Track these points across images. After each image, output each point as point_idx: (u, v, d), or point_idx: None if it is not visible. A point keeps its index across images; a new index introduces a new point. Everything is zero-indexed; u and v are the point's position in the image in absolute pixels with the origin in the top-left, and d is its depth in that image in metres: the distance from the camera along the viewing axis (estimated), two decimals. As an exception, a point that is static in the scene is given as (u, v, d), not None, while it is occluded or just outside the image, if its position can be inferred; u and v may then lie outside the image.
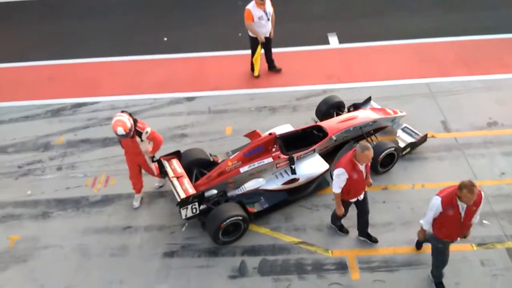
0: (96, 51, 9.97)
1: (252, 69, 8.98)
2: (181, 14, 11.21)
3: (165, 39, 10.32)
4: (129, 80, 9.15)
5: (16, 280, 5.76)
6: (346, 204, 5.52)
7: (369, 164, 5.24)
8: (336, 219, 5.93)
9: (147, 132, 5.91)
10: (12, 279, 5.78)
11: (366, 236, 5.92)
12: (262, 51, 8.66)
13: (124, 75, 9.31)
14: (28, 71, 9.61)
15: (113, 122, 5.65)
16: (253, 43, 8.54)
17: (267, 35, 8.44)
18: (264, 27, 8.31)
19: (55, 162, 7.40)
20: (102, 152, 7.53)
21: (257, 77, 8.93)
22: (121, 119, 5.64)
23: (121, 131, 5.62)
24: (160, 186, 6.78)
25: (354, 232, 6.05)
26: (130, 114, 5.80)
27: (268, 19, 8.30)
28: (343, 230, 6.07)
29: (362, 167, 5.13)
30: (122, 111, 5.81)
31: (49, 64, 9.77)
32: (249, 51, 8.79)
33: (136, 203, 6.56)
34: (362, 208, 5.66)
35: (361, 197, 5.49)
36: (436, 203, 4.67)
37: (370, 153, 4.96)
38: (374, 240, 5.90)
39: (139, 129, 5.85)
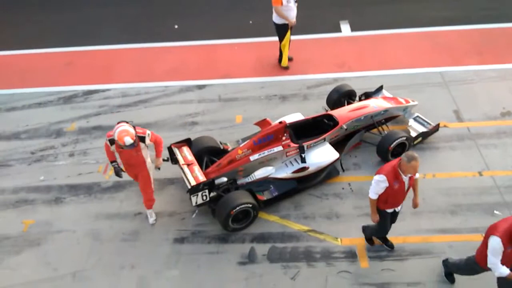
0: (108, 38, 10.00)
1: (280, 60, 8.72)
2: (192, 1, 11.17)
3: (176, 26, 10.30)
4: (140, 67, 9.18)
5: (30, 263, 5.88)
6: (382, 214, 5.15)
7: (415, 177, 4.96)
8: (369, 230, 5.63)
9: (149, 134, 5.66)
10: (26, 262, 5.90)
11: (383, 240, 5.73)
12: (292, 37, 8.36)
13: (135, 62, 9.34)
14: (40, 58, 9.67)
15: (117, 135, 5.33)
16: (281, 30, 8.23)
17: (295, 19, 8.15)
18: (292, 11, 8.03)
19: (68, 149, 7.49)
20: (113, 139, 7.59)
21: (286, 68, 8.69)
22: (124, 129, 5.35)
23: (129, 140, 5.32)
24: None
25: (363, 221, 6.06)
26: (127, 122, 5.53)
27: (296, 2, 8.04)
28: (388, 244, 5.71)
29: (405, 178, 4.80)
30: (119, 122, 5.51)
31: (61, 51, 9.81)
32: (259, 39, 8.70)
33: (151, 219, 6.20)
34: (394, 218, 5.37)
35: (399, 208, 5.19)
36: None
37: (417, 164, 4.60)
38: (390, 246, 5.70)
39: (140, 134, 5.58)
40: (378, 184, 4.82)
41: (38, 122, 8.04)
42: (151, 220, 6.21)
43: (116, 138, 5.36)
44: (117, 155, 5.79)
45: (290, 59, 8.89)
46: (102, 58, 9.53)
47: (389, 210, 5.13)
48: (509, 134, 7.10)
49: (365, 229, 5.74)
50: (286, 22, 8.10)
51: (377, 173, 4.87)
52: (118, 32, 10.25)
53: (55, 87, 8.81)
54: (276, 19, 8.16)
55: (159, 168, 5.97)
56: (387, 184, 4.76)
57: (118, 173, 5.84)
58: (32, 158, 7.36)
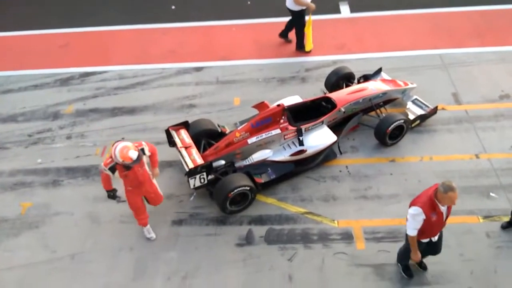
0: (105, 19, 9.87)
1: (300, 46, 8.55)
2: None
3: (173, 7, 10.16)
4: (137, 49, 9.09)
5: (28, 246, 5.92)
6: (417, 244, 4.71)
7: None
8: (404, 258, 5.18)
9: (145, 145, 5.32)
10: (25, 244, 5.94)
11: (418, 264, 5.29)
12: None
13: (131, 44, 9.24)
14: (36, 39, 9.56)
15: (119, 155, 4.86)
16: (299, 17, 8.11)
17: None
18: None
19: (65, 131, 7.47)
20: (111, 121, 7.56)
21: (309, 51, 8.55)
22: (123, 145, 4.92)
23: (134, 153, 4.90)
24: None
25: (360, 204, 6.09)
26: (119, 140, 5.17)
27: None
28: (407, 273, 5.29)
29: (443, 208, 4.45)
30: (115, 142, 5.08)
31: (57, 32, 9.70)
32: (257, 20, 8.60)
33: (152, 234, 5.87)
34: (432, 248, 4.96)
35: (435, 238, 4.80)
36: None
37: (455, 195, 4.24)
38: (424, 267, 5.33)
39: (139, 146, 5.23)
40: (414, 218, 4.41)
41: (35, 104, 8.00)
42: (153, 235, 5.86)
43: (119, 159, 4.89)
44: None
45: (289, 41, 8.79)
46: (99, 40, 9.43)
47: (424, 240, 4.74)
48: (507, 116, 7.09)
49: (401, 258, 5.29)
50: (303, 8, 7.98)
51: (411, 205, 4.45)
52: (115, 13, 10.11)
53: (51, 69, 8.74)
54: (291, 5, 8.01)
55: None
56: (424, 217, 4.36)
57: (111, 197, 5.53)
58: (29, 141, 7.34)
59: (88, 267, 5.66)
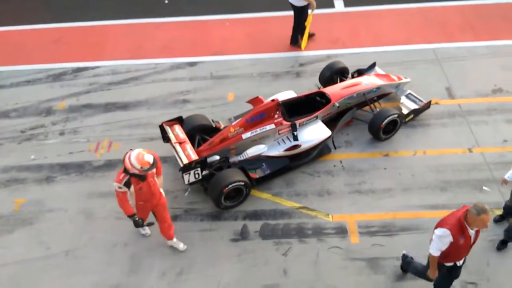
0: (97, 14, 9.78)
1: (295, 41, 8.53)
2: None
3: (166, 1, 10.09)
4: (130, 44, 9.02)
5: (22, 242, 5.89)
6: (439, 267, 4.54)
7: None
8: (421, 274, 5.01)
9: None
10: (19, 241, 5.91)
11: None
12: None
13: (124, 39, 9.17)
14: (28, 34, 9.46)
15: (137, 160, 4.61)
16: (303, 12, 8.06)
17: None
18: None
19: (58, 127, 7.42)
20: (104, 117, 7.52)
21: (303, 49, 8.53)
22: (138, 151, 4.69)
23: (151, 158, 4.69)
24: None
25: (354, 198, 6.12)
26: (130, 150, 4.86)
27: None
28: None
29: (472, 232, 4.23)
30: (126, 154, 4.78)
31: (49, 27, 9.59)
32: (251, 14, 8.55)
33: (147, 230, 5.81)
34: (456, 273, 4.70)
35: (460, 262, 4.56)
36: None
37: (487, 218, 4.03)
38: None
39: None
40: (441, 240, 4.21)
41: (27, 100, 7.93)
42: (182, 246, 5.71)
43: (138, 165, 4.63)
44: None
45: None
46: (92, 35, 9.34)
47: (449, 264, 4.54)
48: (499, 111, 7.14)
49: (407, 263, 5.17)
50: (306, 4, 7.95)
51: (438, 226, 4.26)
52: (108, 8, 10.02)
53: (44, 65, 8.65)
54: (295, 1, 7.97)
55: None
56: (451, 239, 4.16)
57: (140, 225, 5.14)
58: (22, 137, 7.29)
59: (82, 263, 5.65)
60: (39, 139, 7.24)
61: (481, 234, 5.34)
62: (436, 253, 4.31)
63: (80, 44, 9.10)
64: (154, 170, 4.89)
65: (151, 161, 4.70)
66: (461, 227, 4.16)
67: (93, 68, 8.50)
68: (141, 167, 4.66)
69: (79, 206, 6.25)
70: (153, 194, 5.09)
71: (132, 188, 4.85)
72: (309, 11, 8.09)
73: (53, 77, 8.39)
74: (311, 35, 8.71)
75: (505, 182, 5.20)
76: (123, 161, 4.73)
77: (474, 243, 4.35)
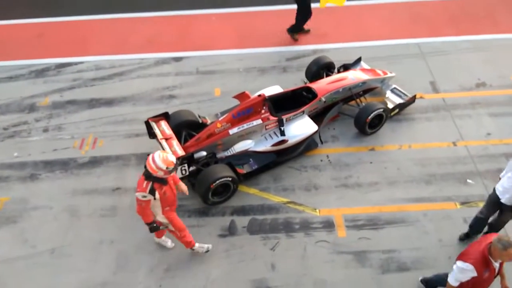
0: (80, 9, 9.64)
1: (294, 30, 8.54)
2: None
3: (151, -4, 9.99)
4: (114, 39, 8.91)
5: (6, 241, 5.80)
6: None
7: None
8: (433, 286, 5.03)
9: None
10: (3, 240, 5.82)
11: None
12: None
13: (109, 34, 9.05)
14: (9, 29, 9.27)
15: (162, 161, 4.51)
16: (305, 3, 8.11)
17: None
18: None
19: (41, 124, 7.30)
20: (88, 113, 7.42)
21: (297, 40, 8.54)
22: (159, 153, 4.58)
23: (173, 157, 4.63)
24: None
25: (340, 192, 6.16)
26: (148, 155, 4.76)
27: None
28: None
29: (496, 264, 4.05)
30: (147, 157, 4.65)
31: (31, 22, 9.42)
32: (237, 9, 8.50)
33: (208, 245, 5.61)
34: None
35: None
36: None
37: None
38: None
39: None
40: (463, 272, 4.02)
41: (9, 96, 7.77)
42: (207, 247, 5.57)
43: (164, 166, 4.52)
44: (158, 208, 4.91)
45: (307, 32, 8.73)
46: (75, 30, 9.19)
47: None
48: (483, 104, 7.24)
49: (430, 282, 5.07)
50: None
51: (461, 259, 4.06)
52: (91, 2, 9.87)
53: (26, 60, 8.50)
54: None
55: None
56: (475, 274, 3.96)
57: (157, 229, 5.05)
58: (4, 134, 7.15)
59: (68, 261, 5.59)
60: (22, 136, 7.12)
61: (466, 226, 5.47)
62: (454, 283, 4.15)
63: (63, 39, 8.95)
64: (174, 172, 4.83)
65: (175, 160, 4.63)
66: (486, 261, 3.98)
67: (76, 63, 8.38)
68: (167, 168, 4.54)
69: (64, 204, 6.17)
70: (175, 195, 5.00)
71: (157, 196, 4.69)
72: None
73: (36, 73, 8.24)
74: (306, 31, 8.71)
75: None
76: (145, 167, 4.59)
77: (497, 275, 4.18)
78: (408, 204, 5.99)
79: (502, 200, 4.84)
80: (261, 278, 5.37)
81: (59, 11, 9.59)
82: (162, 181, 4.67)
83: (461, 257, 4.09)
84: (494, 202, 4.98)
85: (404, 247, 5.56)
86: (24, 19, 9.48)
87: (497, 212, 5.13)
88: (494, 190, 4.98)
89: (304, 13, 8.32)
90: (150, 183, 4.60)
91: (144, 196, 4.62)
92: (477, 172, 6.30)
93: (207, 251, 5.57)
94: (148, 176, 4.60)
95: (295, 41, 8.56)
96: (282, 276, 5.37)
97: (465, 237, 5.50)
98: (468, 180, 6.22)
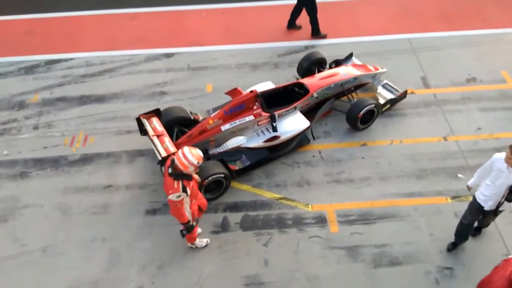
0: (70, 4, 9.53)
1: (317, 32, 8.47)
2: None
3: (141, -9, 9.90)
4: (104, 35, 8.83)
5: (-3, 240, 5.76)
6: None
7: None
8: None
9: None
10: (-6, 238, 5.77)
11: None
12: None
13: (99, 30, 8.97)
14: (-4, 25, 9.17)
15: (193, 157, 4.53)
16: (311, 0, 8.10)
17: None
18: None
19: (31, 121, 7.22)
20: (79, 110, 7.36)
21: (325, 36, 8.54)
22: (186, 149, 4.59)
23: (200, 151, 4.67)
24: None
25: (333, 188, 6.18)
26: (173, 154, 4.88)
27: None
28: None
29: None
30: (173, 156, 4.70)
31: (20, 18, 9.30)
32: (228, 5, 8.47)
33: (206, 239, 5.68)
34: None
35: None
36: None
37: None
38: None
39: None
40: None
41: (-2, 94, 7.70)
42: (206, 241, 5.63)
43: (196, 161, 4.53)
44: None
45: (298, 28, 8.72)
46: (64, 26, 9.10)
47: None
48: (473, 99, 7.30)
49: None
50: None
51: (483, 287, 3.96)
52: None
53: (15, 57, 8.39)
54: None
55: None
56: None
57: (193, 227, 5.06)
58: (-7, 132, 7.09)
59: (60, 259, 5.55)
60: (12, 134, 7.04)
61: (457, 220, 5.48)
62: None
63: (52, 35, 8.86)
64: None
65: (202, 154, 4.66)
66: None
67: (66, 60, 8.29)
68: (198, 162, 4.57)
69: (55, 202, 6.12)
70: (198, 188, 5.04)
71: (189, 191, 4.69)
72: None
73: (25, 69, 8.15)
74: (298, 27, 8.72)
75: (469, 188, 5.17)
76: (174, 167, 4.57)
77: None
78: (400, 199, 6.03)
79: (486, 208, 4.82)
80: (254, 274, 5.38)
81: (48, 7, 9.48)
82: (189, 177, 4.69)
83: (484, 285, 3.88)
84: (477, 209, 4.95)
85: (396, 241, 5.60)
86: (12, 15, 9.36)
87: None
88: (474, 197, 4.94)
89: (313, 11, 8.27)
90: (181, 182, 4.59)
91: (179, 196, 4.61)
92: (468, 167, 6.35)
93: (206, 245, 5.58)
94: (177, 175, 4.59)
95: (324, 38, 8.52)
96: (275, 272, 5.39)
97: (453, 247, 5.46)
98: (459, 175, 6.27)
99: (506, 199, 4.62)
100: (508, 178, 4.51)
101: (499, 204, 4.74)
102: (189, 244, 5.55)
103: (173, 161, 4.61)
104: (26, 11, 9.42)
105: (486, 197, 4.77)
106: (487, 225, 5.48)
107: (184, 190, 4.62)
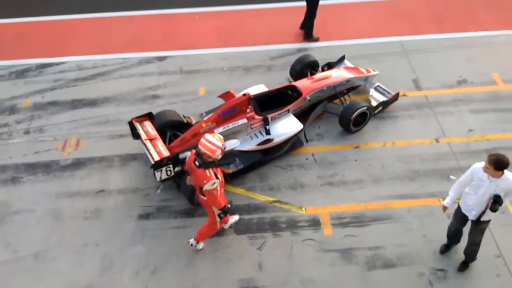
0: (61, 7, 9.48)
1: (310, 35, 8.50)
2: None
3: (133, -5, 9.88)
4: (96, 38, 8.79)
5: (-12, 246, 5.69)
6: None
7: None
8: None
9: None
10: (-16, 245, 5.71)
11: None
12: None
13: (90, 33, 8.92)
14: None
15: (218, 141, 4.74)
16: (315, 3, 8.12)
17: None
18: None
19: (23, 126, 7.16)
20: (71, 114, 7.31)
21: (317, 39, 8.57)
22: (207, 136, 4.77)
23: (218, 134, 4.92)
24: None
25: (326, 190, 6.19)
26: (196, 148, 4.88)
27: None
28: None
29: None
30: (196, 149, 4.82)
31: (10, 22, 9.24)
32: (220, 8, 8.46)
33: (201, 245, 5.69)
34: None
35: None
36: None
37: None
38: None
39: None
40: None
41: (-12, 98, 7.63)
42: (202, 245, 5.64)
43: (222, 144, 4.75)
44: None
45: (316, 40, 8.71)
46: (56, 29, 9.04)
47: None
48: (465, 101, 7.35)
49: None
50: None
51: None
52: (72, 1, 9.71)
53: (5, 61, 8.35)
54: None
55: None
56: None
57: (229, 210, 5.27)
58: (-16, 137, 7.02)
59: (53, 265, 5.51)
60: (3, 139, 6.98)
61: (449, 222, 5.52)
62: None
63: (44, 39, 8.80)
64: None
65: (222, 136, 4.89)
66: None
67: (58, 64, 8.24)
68: (222, 144, 4.78)
69: (47, 207, 6.07)
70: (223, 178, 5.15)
71: (219, 177, 4.89)
72: None
73: (16, 73, 8.09)
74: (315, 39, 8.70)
75: (444, 209, 5.01)
76: (201, 158, 4.72)
77: None
78: (393, 200, 6.05)
79: (470, 217, 4.81)
80: (248, 277, 5.36)
81: (39, 10, 9.42)
82: (216, 164, 4.84)
83: None
84: (462, 219, 4.97)
85: (389, 243, 5.61)
86: (3, 19, 9.30)
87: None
88: (459, 206, 4.94)
89: (312, 14, 8.30)
90: (211, 169, 4.77)
91: (214, 183, 4.77)
92: (460, 168, 6.39)
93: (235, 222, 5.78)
94: (206, 164, 4.75)
95: (316, 41, 8.54)
96: (270, 275, 5.38)
97: (446, 249, 5.49)
98: (451, 176, 6.31)
99: (490, 209, 4.52)
100: (490, 188, 4.46)
101: (482, 213, 4.66)
102: (191, 241, 5.57)
103: (197, 153, 4.77)
104: (17, 15, 9.35)
105: (469, 207, 4.75)
106: (475, 244, 5.13)
107: (216, 177, 4.80)
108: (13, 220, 5.96)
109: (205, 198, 4.99)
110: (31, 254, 5.60)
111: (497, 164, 4.28)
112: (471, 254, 5.23)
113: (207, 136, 4.77)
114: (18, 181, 6.39)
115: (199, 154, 4.76)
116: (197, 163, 4.77)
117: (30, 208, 6.07)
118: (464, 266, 5.36)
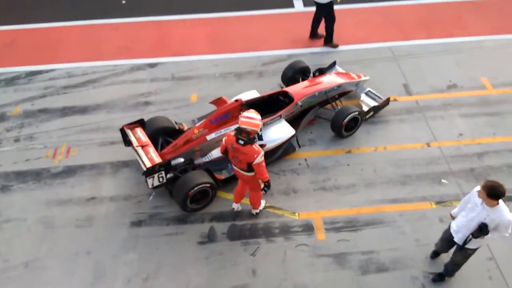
0: (51, 15, 9.44)
1: (330, 40, 8.55)
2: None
3: (124, 1, 9.86)
4: (86, 46, 8.75)
5: (-23, 256, 5.60)
6: None
7: None
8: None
9: None
10: (-26, 254, 5.61)
11: None
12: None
13: (80, 40, 8.89)
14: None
15: (253, 113, 5.03)
16: (329, 9, 8.14)
17: None
18: None
19: (12, 134, 7.09)
20: (61, 122, 7.26)
21: (337, 46, 8.62)
22: (244, 113, 5.05)
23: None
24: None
25: (319, 195, 6.20)
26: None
27: None
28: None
29: None
30: (241, 119, 5.02)
31: (0, 29, 9.20)
32: (210, 15, 8.47)
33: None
34: None
35: None
36: None
37: None
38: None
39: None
40: None
41: (-23, 106, 7.54)
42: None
43: (259, 117, 5.02)
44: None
45: (322, 37, 8.76)
46: (45, 37, 9.00)
47: None
48: (454, 105, 7.43)
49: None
50: (331, 0, 8.05)
51: None
52: (62, 8, 9.69)
53: (-6, 69, 8.27)
54: None
55: None
56: None
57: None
58: (-27, 145, 6.93)
59: (44, 274, 5.43)
60: (-8, 147, 6.91)
61: (442, 226, 5.56)
62: None
63: (33, 46, 8.75)
64: None
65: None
66: None
67: (47, 71, 8.19)
68: (260, 119, 5.01)
69: (37, 215, 6.00)
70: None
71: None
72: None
73: (6, 81, 8.02)
74: (320, 36, 8.76)
75: (452, 217, 4.94)
76: (247, 136, 4.93)
77: None
78: (385, 205, 6.08)
79: (455, 239, 4.73)
80: (242, 284, 5.34)
81: (29, 18, 9.36)
82: (255, 139, 5.05)
83: None
84: (448, 239, 4.92)
85: (382, 247, 5.63)
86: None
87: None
88: (449, 226, 4.90)
89: (331, 20, 8.33)
90: (256, 144, 5.01)
91: (262, 156, 5.00)
92: (451, 172, 6.44)
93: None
94: (251, 139, 4.96)
95: (336, 47, 8.57)
96: (263, 281, 5.36)
97: (435, 255, 5.48)
98: (443, 180, 6.35)
99: (472, 234, 4.45)
100: (480, 214, 4.36)
101: (467, 240, 4.56)
102: (254, 211, 5.88)
103: (240, 132, 4.95)
104: (5, 22, 9.29)
105: (457, 228, 4.69)
106: (456, 265, 5.09)
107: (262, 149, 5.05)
108: (3, 228, 5.87)
109: (252, 174, 5.19)
110: (21, 263, 5.52)
111: (490, 190, 4.14)
112: (449, 270, 5.20)
113: (247, 113, 4.99)
114: (8, 189, 6.31)
115: (242, 133, 4.94)
116: (241, 142, 4.95)
117: (21, 216, 5.99)
118: (439, 278, 5.28)
